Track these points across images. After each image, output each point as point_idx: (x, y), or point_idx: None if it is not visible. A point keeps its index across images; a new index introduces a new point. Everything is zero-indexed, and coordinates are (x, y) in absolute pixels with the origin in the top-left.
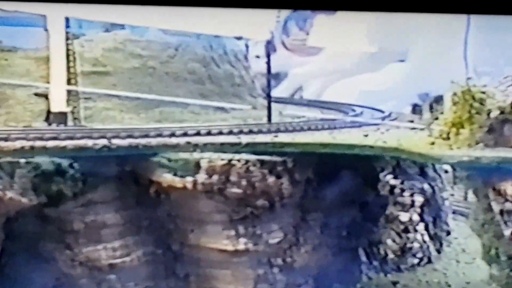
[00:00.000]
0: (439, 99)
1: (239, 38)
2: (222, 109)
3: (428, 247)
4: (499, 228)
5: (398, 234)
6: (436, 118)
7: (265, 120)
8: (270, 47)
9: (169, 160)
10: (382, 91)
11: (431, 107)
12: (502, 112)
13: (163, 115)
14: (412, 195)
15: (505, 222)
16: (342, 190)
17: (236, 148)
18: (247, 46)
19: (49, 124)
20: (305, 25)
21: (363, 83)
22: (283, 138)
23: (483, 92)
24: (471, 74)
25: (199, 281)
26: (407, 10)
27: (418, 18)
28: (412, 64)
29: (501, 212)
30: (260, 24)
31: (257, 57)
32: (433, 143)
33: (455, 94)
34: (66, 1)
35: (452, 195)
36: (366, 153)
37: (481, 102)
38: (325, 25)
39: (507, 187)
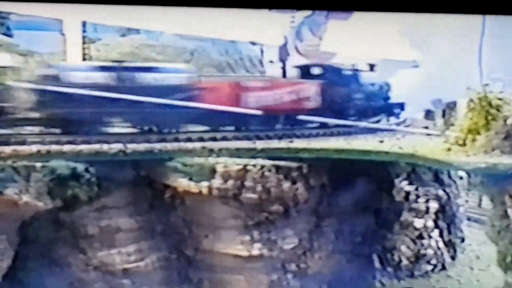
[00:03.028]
0: (452, 105)
1: (253, 44)
2: None
3: (442, 253)
4: None
5: (413, 240)
6: (452, 124)
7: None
8: (284, 52)
9: (185, 165)
10: (395, 97)
11: (443, 113)
12: None
13: None
14: (427, 201)
15: None
16: (356, 196)
17: (251, 153)
18: (262, 52)
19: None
20: (318, 30)
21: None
22: (298, 143)
23: (500, 99)
24: (486, 80)
25: (213, 287)
26: (421, 10)
27: (432, 21)
28: (425, 70)
29: None
30: (274, 29)
31: (271, 62)
32: (449, 149)
33: (471, 100)
34: (82, 1)
35: (467, 201)
36: (381, 159)
37: (498, 108)
38: (338, 31)
39: None
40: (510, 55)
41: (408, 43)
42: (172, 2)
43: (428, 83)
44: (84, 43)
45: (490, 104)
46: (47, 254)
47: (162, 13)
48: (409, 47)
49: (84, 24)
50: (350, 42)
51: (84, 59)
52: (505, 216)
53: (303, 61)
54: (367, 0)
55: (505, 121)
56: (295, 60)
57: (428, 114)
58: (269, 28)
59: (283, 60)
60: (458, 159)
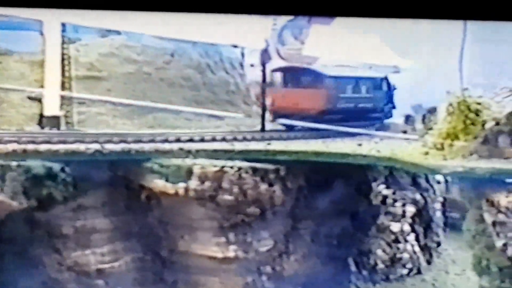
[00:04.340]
0: (432, 111)
1: (235, 46)
2: (216, 116)
3: (418, 257)
4: (491, 239)
5: (389, 244)
6: (430, 129)
7: (258, 128)
8: (265, 56)
9: (161, 166)
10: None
11: (423, 119)
12: (497, 123)
13: (156, 121)
14: (404, 205)
15: (497, 234)
16: (333, 199)
17: (229, 155)
18: (243, 54)
19: (42, 128)
20: (300, 35)
21: None
22: (276, 146)
23: (479, 103)
24: (467, 85)
25: None
26: (402, 16)
27: (413, 27)
28: (406, 76)
29: (494, 224)
30: (256, 32)
31: (252, 65)
32: (427, 153)
33: (450, 104)
34: (62, 7)
35: (444, 206)
36: (359, 162)
37: (477, 113)
38: (320, 35)
39: (500, 198)
40: (490, 60)
41: (389, 48)
42: (153, 7)
43: (408, 88)
44: (63, 43)
45: (469, 109)
46: (21, 253)
47: (142, 17)
48: (390, 52)
49: (63, 24)
50: (332, 46)
51: (62, 59)
52: (481, 221)
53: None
54: (349, 6)
55: (483, 125)
56: (276, 64)
57: (408, 119)
58: (251, 32)
59: (264, 64)
60: (435, 163)
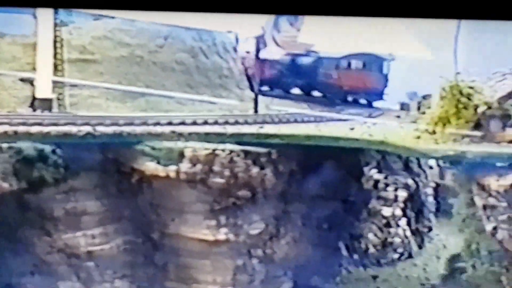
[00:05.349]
0: (427, 98)
1: (229, 31)
2: (208, 99)
3: (409, 242)
4: (481, 223)
5: (380, 228)
6: (423, 113)
7: (251, 112)
8: (261, 42)
9: (153, 148)
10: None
11: (419, 106)
12: (489, 108)
13: (149, 104)
14: (395, 190)
15: (488, 217)
16: (325, 183)
17: (221, 138)
18: (237, 39)
19: (34, 110)
20: (296, 22)
21: None
22: (269, 129)
23: (471, 87)
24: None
25: (178, 271)
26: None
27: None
28: (401, 63)
29: (484, 207)
30: (251, 19)
31: (247, 52)
32: (418, 137)
33: (443, 89)
34: None
35: (436, 191)
36: (351, 145)
37: (469, 97)
38: (316, 23)
39: (491, 182)
40: (485, 47)
41: (385, 35)
42: None
43: (403, 76)
44: (56, 25)
45: (461, 93)
46: (11, 235)
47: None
48: (386, 39)
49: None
50: (328, 34)
51: (55, 42)
52: (471, 204)
53: (281, 52)
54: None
55: (475, 109)
56: (271, 51)
57: (403, 107)
58: (246, 18)
59: (258, 51)
60: (427, 147)
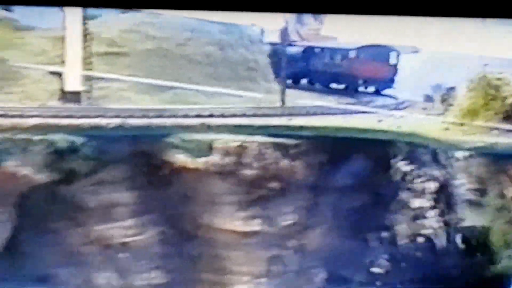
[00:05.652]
0: (451, 91)
1: (254, 24)
2: (235, 92)
3: (438, 234)
4: (511, 214)
5: (409, 220)
6: (450, 105)
7: (278, 104)
8: (285, 35)
9: (183, 140)
10: (395, 81)
11: (442, 99)
12: None
13: (176, 97)
14: (424, 181)
15: None
16: (354, 175)
17: (249, 130)
18: (262, 32)
19: (64, 103)
20: (319, 15)
21: None
22: (297, 121)
23: (499, 79)
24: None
25: (211, 262)
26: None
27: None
28: (425, 55)
29: None
30: (276, 12)
31: (273, 45)
32: (447, 129)
33: (471, 80)
34: None
35: (464, 182)
36: (380, 137)
37: (497, 88)
38: (339, 15)
39: None
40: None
41: (409, 28)
42: None
43: (427, 68)
44: (84, 19)
45: (489, 85)
46: (45, 227)
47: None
48: (410, 32)
49: None
50: (351, 27)
51: (84, 35)
52: (501, 196)
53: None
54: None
55: (503, 101)
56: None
57: (427, 99)
58: (270, 11)
59: (284, 43)
60: (456, 138)
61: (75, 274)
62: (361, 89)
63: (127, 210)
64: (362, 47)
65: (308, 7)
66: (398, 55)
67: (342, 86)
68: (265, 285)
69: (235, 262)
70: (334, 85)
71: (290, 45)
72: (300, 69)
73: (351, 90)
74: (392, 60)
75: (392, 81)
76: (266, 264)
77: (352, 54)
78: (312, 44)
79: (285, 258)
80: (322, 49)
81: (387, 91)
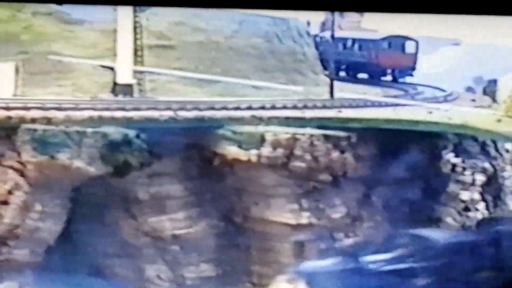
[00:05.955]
0: (493, 83)
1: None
2: (283, 84)
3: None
4: None
5: (459, 212)
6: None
7: (326, 96)
8: (326, 27)
9: (234, 132)
10: (437, 73)
11: (484, 91)
12: None
13: (226, 89)
14: (473, 173)
15: None
16: (404, 167)
17: (300, 122)
18: (308, 23)
19: (115, 96)
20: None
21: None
22: (347, 113)
23: None
24: None
25: (262, 254)
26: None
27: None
28: (466, 47)
29: None
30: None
31: (321, 37)
32: (499, 121)
33: None
34: None
35: None
36: (431, 129)
37: None
38: (379, 7)
39: None
40: None
41: (450, 21)
42: None
43: (468, 61)
44: (134, 11)
45: None
46: (98, 219)
47: None
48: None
49: None
50: (391, 19)
51: (135, 27)
52: None
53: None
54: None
55: None
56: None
57: (469, 91)
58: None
59: (332, 35)
60: (508, 129)
61: (127, 265)
62: (384, 78)
63: (178, 202)
64: (384, 38)
65: (349, 5)
66: (417, 45)
67: (366, 76)
68: None
69: (284, 254)
70: (360, 75)
71: (332, 37)
72: (339, 61)
73: (376, 80)
74: (411, 50)
75: (413, 69)
76: (315, 257)
77: (384, 45)
78: (353, 36)
79: (335, 250)
80: (353, 40)
81: (408, 79)
